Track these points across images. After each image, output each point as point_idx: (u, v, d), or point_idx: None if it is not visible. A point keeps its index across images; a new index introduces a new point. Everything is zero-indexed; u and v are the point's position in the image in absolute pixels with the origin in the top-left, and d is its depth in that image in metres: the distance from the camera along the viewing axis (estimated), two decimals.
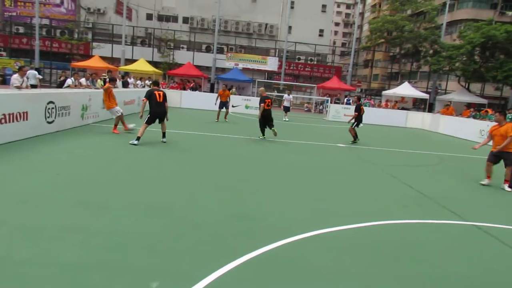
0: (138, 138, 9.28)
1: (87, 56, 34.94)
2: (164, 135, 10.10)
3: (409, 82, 33.32)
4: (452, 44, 30.44)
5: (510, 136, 8.00)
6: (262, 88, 13.27)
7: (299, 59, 42.52)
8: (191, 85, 28.56)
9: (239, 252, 3.83)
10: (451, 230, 5.30)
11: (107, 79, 14.57)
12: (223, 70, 37.16)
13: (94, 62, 29.00)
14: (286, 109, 21.50)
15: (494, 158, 8.35)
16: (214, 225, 4.58)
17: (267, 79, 37.61)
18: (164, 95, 9.87)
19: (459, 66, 29.32)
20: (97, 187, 5.68)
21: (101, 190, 5.55)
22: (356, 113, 13.30)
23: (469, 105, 24.51)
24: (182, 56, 37.95)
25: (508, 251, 4.65)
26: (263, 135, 12.55)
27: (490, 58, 28.75)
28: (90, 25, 41.14)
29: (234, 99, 22.94)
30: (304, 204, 5.83)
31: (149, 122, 9.67)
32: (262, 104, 12.20)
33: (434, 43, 32.82)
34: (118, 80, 19.60)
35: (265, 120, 12.35)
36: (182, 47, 41.09)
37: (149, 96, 9.68)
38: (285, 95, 22.30)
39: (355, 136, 13.50)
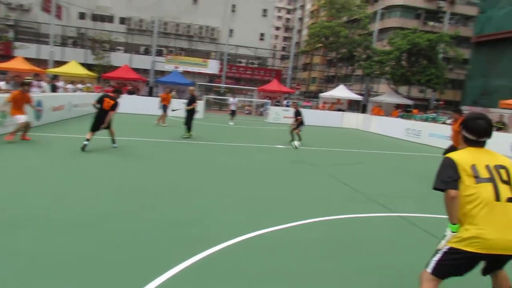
0: (87, 140, 9.00)
1: (8, 57, 32.03)
2: (113, 141, 9.78)
3: (344, 84, 34.95)
4: (383, 49, 32.49)
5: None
6: (191, 87, 14.06)
7: (240, 62, 42.85)
8: (128, 88, 27.52)
9: (175, 261, 3.71)
10: (380, 222, 5.61)
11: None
12: (163, 73, 36.30)
13: (16, 64, 26.61)
14: (233, 113, 21.51)
15: None
16: (150, 235, 4.40)
17: (208, 82, 37.39)
18: (114, 105, 9.34)
19: (389, 70, 31.34)
20: (19, 203, 5.24)
21: (24, 206, 5.11)
22: (299, 118, 13.76)
23: (397, 106, 26.28)
24: (119, 59, 36.45)
25: (429, 238, 5.03)
26: (190, 132, 13.11)
27: (415, 63, 31.09)
28: (12, 23, 37.99)
29: (174, 103, 22.48)
30: (242, 206, 5.85)
31: (92, 129, 9.27)
32: (194, 104, 13.06)
33: (367, 48, 34.77)
34: (46, 83, 18.37)
35: (191, 117, 13.09)
36: (119, 49, 39.53)
37: (98, 100, 9.36)
38: (231, 99, 22.32)
39: (294, 137, 13.92)
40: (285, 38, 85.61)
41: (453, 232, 2.59)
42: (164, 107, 16.66)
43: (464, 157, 2.64)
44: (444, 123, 19.52)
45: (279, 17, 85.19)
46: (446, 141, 16.68)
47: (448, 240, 2.60)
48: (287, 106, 27.45)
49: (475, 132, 2.69)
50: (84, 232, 4.24)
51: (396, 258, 4.32)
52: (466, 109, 28.13)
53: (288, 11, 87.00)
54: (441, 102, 39.05)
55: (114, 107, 9.35)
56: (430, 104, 35.37)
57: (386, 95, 33.33)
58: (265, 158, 10.69)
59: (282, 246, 4.35)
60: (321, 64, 55.38)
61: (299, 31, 68.96)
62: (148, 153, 9.73)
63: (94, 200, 5.45)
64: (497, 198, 2.50)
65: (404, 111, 24.77)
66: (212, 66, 37.70)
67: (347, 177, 8.63)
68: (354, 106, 35.19)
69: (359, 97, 32.52)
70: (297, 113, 13.94)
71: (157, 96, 21.78)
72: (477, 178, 2.55)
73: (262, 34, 45.27)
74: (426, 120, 20.40)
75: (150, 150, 10.21)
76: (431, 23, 42.96)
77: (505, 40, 27.27)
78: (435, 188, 2.62)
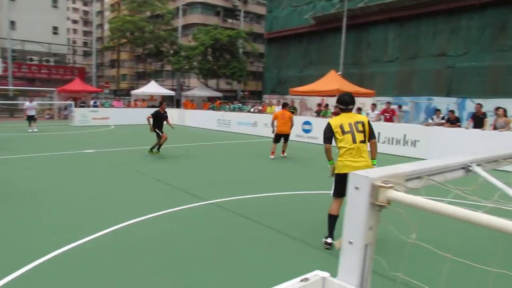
0: None
1: None
2: None
3: (156, 81, 34.55)
4: (189, 45, 33.43)
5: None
6: None
7: (31, 60, 36.99)
8: None
9: None
10: (195, 211, 5.72)
11: None
12: None
13: None
14: (31, 118, 18.08)
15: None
16: None
17: None
18: None
19: (197, 65, 32.55)
20: None
21: None
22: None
23: (209, 99, 27.59)
24: None
25: (233, 216, 5.38)
26: None
27: (219, 57, 33.21)
28: None
29: None
30: (43, 223, 4.98)
31: None
32: None
33: (173, 44, 35.11)
34: None
35: None
36: None
37: None
38: (27, 103, 18.89)
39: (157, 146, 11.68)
40: (86, 33, 78.45)
41: (330, 165, 4.59)
42: None
43: (335, 121, 4.47)
44: (249, 111, 21.56)
45: (75, 9, 77.35)
46: (252, 128, 18.56)
47: (330, 170, 4.55)
48: (95, 106, 25.29)
49: (344, 103, 4.51)
50: None
51: (208, 242, 4.43)
52: (267, 98, 31.85)
53: (85, 3, 79.80)
54: (246, 93, 43.09)
55: None
56: (237, 95, 38.56)
57: (197, 89, 34.58)
58: (72, 165, 9.48)
59: (93, 257, 3.89)
60: (129, 60, 53.14)
61: (101, 25, 64.28)
62: None
63: None
64: (354, 141, 4.31)
65: (213, 103, 26.24)
66: None
67: (162, 174, 8.50)
68: (168, 101, 35.20)
69: (171, 93, 32.69)
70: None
71: None
72: (343, 132, 4.34)
73: (55, 28, 40.13)
74: (234, 110, 22.09)
75: None
76: (230, 20, 46.58)
77: (289, 37, 31.80)
78: (325, 143, 4.49)
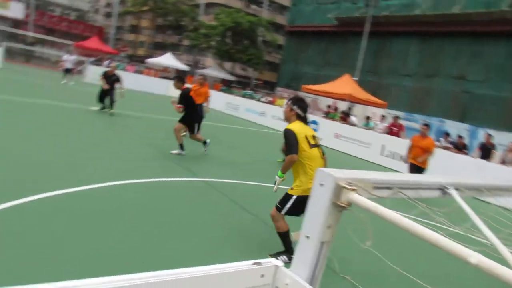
0: None
1: None
2: None
3: (173, 53, 34.47)
4: (209, 24, 33.23)
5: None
6: None
7: (53, 11, 36.96)
8: None
9: None
10: (185, 185, 5.79)
11: None
12: None
13: None
14: (67, 71, 19.42)
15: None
16: None
17: (12, 27, 30.99)
18: None
19: (215, 45, 32.40)
20: None
21: None
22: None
23: (222, 81, 27.50)
24: None
25: (223, 198, 5.44)
26: None
27: (238, 42, 33.00)
28: None
29: None
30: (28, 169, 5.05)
31: None
32: None
33: (194, 19, 34.91)
34: None
35: None
36: None
37: None
38: (66, 55, 20.13)
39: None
40: None
41: (280, 177, 3.75)
42: None
43: (296, 127, 3.68)
44: (259, 100, 21.51)
45: None
46: (259, 117, 18.53)
47: (277, 183, 3.78)
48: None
49: (304, 110, 3.82)
50: None
51: (194, 214, 4.48)
52: (280, 90, 31.71)
53: None
54: (260, 81, 42.90)
55: None
56: (251, 82, 38.42)
57: (212, 68, 34.44)
58: (73, 121, 9.55)
59: (75, 210, 3.95)
60: (149, 29, 52.94)
61: None
62: None
63: None
64: (321, 157, 3.73)
65: (227, 86, 26.21)
66: (15, 9, 31.32)
67: (158, 142, 8.54)
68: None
69: (186, 68, 32.64)
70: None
71: None
72: (310, 145, 3.63)
73: None
74: (244, 96, 22.05)
75: None
76: (253, 6, 46.15)
77: (310, 33, 31.51)
78: (293, 152, 3.56)
